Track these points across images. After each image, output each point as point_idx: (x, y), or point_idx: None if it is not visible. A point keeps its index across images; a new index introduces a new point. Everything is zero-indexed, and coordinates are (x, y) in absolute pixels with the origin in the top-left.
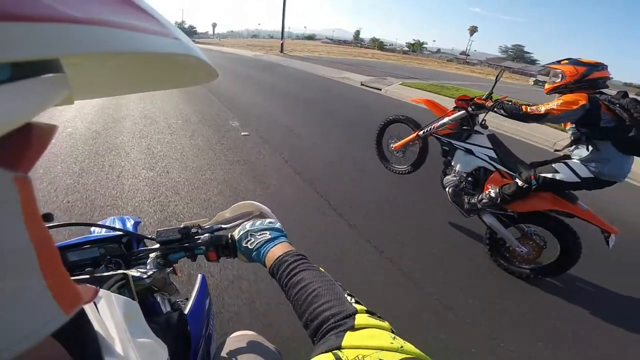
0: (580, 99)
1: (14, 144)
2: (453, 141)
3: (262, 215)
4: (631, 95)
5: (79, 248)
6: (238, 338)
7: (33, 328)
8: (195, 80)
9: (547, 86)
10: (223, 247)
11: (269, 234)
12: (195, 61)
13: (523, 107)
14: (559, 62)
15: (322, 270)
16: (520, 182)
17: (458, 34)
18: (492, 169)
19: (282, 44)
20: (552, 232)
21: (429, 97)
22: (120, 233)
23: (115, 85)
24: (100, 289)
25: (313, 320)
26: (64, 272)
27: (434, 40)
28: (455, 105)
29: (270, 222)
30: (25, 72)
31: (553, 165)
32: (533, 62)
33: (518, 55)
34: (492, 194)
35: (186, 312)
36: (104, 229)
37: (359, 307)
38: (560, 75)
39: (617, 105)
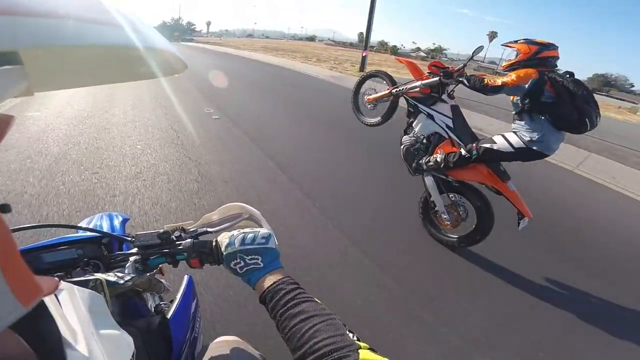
0: (530, 73)
1: None
2: (419, 104)
3: (250, 218)
4: (575, 77)
5: (55, 249)
6: (221, 344)
7: None
8: (163, 72)
9: (504, 63)
10: (207, 254)
11: (261, 262)
12: (161, 54)
13: (485, 80)
14: (515, 41)
15: (319, 302)
16: (463, 152)
17: (455, 37)
18: (446, 136)
19: (363, 58)
20: (474, 205)
21: None
22: (101, 234)
23: (77, 78)
24: (63, 282)
25: (312, 354)
26: (21, 264)
27: (434, 43)
28: (428, 70)
29: (262, 239)
30: None
31: (493, 137)
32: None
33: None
34: (438, 159)
35: (170, 315)
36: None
37: (361, 343)
38: (515, 53)
39: (560, 83)
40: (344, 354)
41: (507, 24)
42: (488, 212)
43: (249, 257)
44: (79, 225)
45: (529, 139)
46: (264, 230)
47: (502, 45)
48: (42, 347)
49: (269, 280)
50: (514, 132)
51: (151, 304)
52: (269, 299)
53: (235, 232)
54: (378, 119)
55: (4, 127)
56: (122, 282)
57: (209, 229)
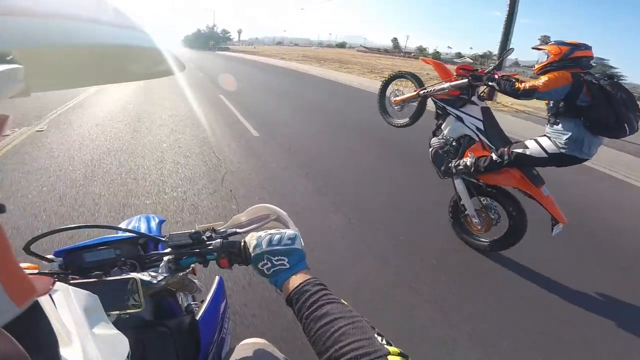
0: (563, 76)
1: None
2: (448, 107)
3: (278, 220)
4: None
5: (96, 249)
6: (248, 346)
7: None
8: (158, 73)
9: (536, 66)
10: (236, 254)
11: (287, 262)
12: (157, 54)
13: (516, 83)
14: (546, 43)
15: (345, 303)
16: (494, 157)
17: (488, 38)
18: (477, 139)
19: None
20: (507, 210)
21: None
22: (137, 235)
23: (76, 78)
24: (58, 282)
25: (338, 358)
26: (15, 264)
27: (471, 48)
28: (456, 73)
29: (289, 239)
30: None
31: (525, 142)
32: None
33: (602, 71)
34: (468, 163)
35: (199, 315)
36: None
37: (391, 348)
38: (546, 55)
39: (597, 85)
40: (372, 359)
41: (538, 25)
42: (521, 217)
43: (276, 258)
44: (117, 226)
45: (563, 143)
46: (290, 232)
47: (532, 48)
48: (36, 348)
49: (295, 282)
50: (547, 136)
51: (183, 303)
52: (294, 301)
53: (262, 233)
54: (406, 120)
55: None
56: (155, 281)
57: (237, 230)
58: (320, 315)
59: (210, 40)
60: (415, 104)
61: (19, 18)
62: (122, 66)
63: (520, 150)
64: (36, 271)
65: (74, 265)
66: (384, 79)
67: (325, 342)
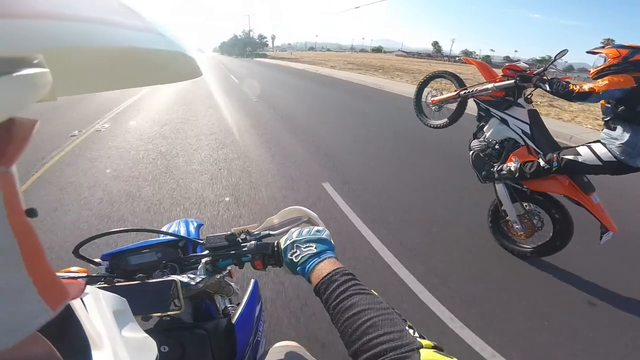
0: (626, 79)
1: None
2: (491, 108)
3: (310, 222)
4: None
5: (139, 252)
6: (281, 349)
7: (19, 324)
8: (180, 76)
9: (592, 70)
10: (269, 255)
11: (315, 248)
12: (180, 57)
13: (570, 85)
14: (602, 47)
15: (376, 294)
16: (542, 162)
17: (532, 42)
18: (522, 143)
19: None
20: (552, 217)
21: None
22: (177, 238)
23: (100, 81)
24: (88, 286)
25: (366, 352)
26: (49, 268)
27: (516, 51)
28: (502, 73)
29: (317, 232)
30: (6, 69)
31: (577, 148)
32: None
33: None
34: (512, 168)
35: (235, 318)
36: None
37: (424, 341)
38: (603, 59)
39: None
40: (403, 354)
41: (579, 26)
42: (567, 223)
43: (304, 245)
44: (159, 229)
45: (619, 150)
46: (319, 227)
47: (586, 52)
48: (69, 350)
49: (323, 271)
50: (602, 142)
51: (221, 306)
52: (322, 290)
53: (293, 230)
54: (444, 120)
55: (29, 131)
56: (193, 283)
57: (271, 232)
58: (349, 306)
59: (247, 46)
60: (454, 104)
61: (46, 21)
62: (148, 69)
63: (571, 157)
64: (85, 275)
65: (119, 267)
66: (422, 78)
67: (353, 333)
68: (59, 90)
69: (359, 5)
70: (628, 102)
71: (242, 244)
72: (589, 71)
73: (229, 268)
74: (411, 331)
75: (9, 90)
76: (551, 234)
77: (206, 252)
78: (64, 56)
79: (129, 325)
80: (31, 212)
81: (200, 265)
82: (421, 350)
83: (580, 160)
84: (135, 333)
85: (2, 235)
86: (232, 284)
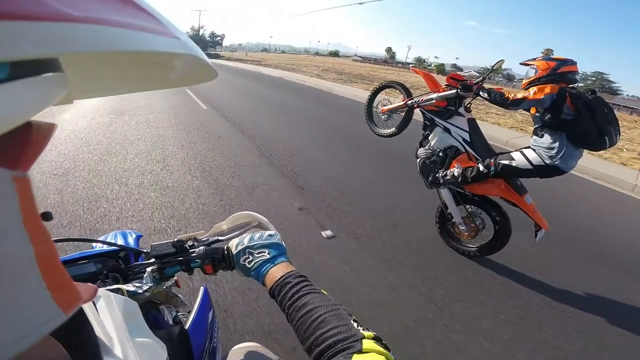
0: (550, 89)
1: (13, 143)
2: (435, 118)
3: (260, 226)
4: (598, 95)
5: (76, 263)
6: (241, 350)
7: (32, 327)
8: (194, 79)
9: (524, 81)
10: (219, 260)
11: (268, 253)
12: (195, 60)
13: (505, 94)
14: (533, 59)
15: (325, 293)
16: (481, 167)
17: (466, 50)
18: (463, 150)
19: None
20: (492, 217)
21: None
22: (118, 248)
23: (115, 85)
24: (100, 289)
25: (319, 345)
26: (63, 271)
27: (457, 58)
28: (446, 82)
29: (269, 236)
30: (24, 71)
31: (511, 153)
32: (615, 92)
33: (600, 85)
34: (455, 173)
35: (188, 324)
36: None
37: (366, 333)
38: (534, 70)
39: (582, 101)
40: (348, 344)
41: (511, 35)
42: (505, 222)
43: (257, 251)
44: (97, 239)
45: (547, 156)
46: (270, 231)
47: (520, 64)
48: (80, 353)
49: (277, 274)
50: (532, 149)
51: (170, 315)
52: (277, 293)
53: (244, 235)
54: (392, 129)
55: (46, 135)
56: (140, 291)
57: (220, 238)
58: (302, 305)
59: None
60: (402, 113)
61: (63, 24)
62: (164, 73)
63: (506, 162)
64: None
65: None
66: (373, 88)
67: (306, 329)
68: (76, 93)
69: (328, 8)
70: (553, 110)
71: (191, 250)
72: (522, 81)
73: (176, 277)
74: (355, 324)
75: (26, 93)
76: (492, 234)
77: (152, 260)
78: (82, 60)
79: (139, 328)
80: (46, 216)
81: (146, 274)
82: (363, 340)
83: (514, 164)
84: (146, 336)
85: (17, 239)
86: (180, 295)
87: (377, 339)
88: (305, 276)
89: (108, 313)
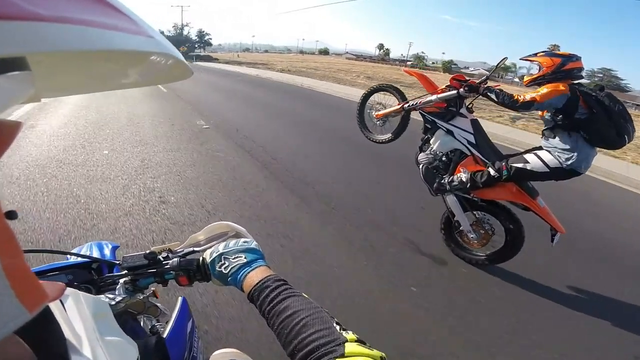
0: (562, 87)
1: None
2: (437, 120)
3: (237, 236)
4: (607, 90)
5: (45, 275)
6: (220, 356)
7: None
8: (169, 77)
9: (525, 78)
10: (194, 271)
11: (245, 257)
12: (169, 59)
13: (514, 95)
14: (535, 54)
15: (306, 296)
16: (492, 171)
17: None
18: (468, 153)
19: None
20: (503, 223)
21: None
22: (90, 259)
23: (86, 83)
24: (68, 288)
25: (301, 350)
26: (27, 270)
27: (443, 53)
28: (448, 83)
29: (245, 242)
30: None
31: (524, 156)
32: (623, 89)
33: (609, 82)
34: (464, 178)
35: (166, 334)
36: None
37: (348, 336)
38: (537, 67)
39: (594, 98)
40: (331, 348)
41: (484, 29)
42: (518, 228)
43: (233, 256)
44: (69, 251)
45: (565, 157)
46: (246, 238)
47: (520, 59)
48: (47, 353)
49: (255, 278)
50: (547, 150)
51: (147, 325)
52: (256, 297)
53: (219, 244)
54: (388, 135)
55: (12, 132)
56: (113, 302)
57: (195, 249)
58: (282, 309)
59: (183, 45)
60: (398, 118)
61: (28, 23)
62: (137, 71)
63: (520, 165)
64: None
65: None
66: (364, 92)
67: (288, 334)
68: (45, 92)
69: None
70: (565, 110)
71: (164, 262)
72: (523, 78)
73: (152, 288)
74: (338, 327)
75: None
76: (504, 240)
77: (124, 272)
78: (50, 58)
79: (110, 328)
80: (11, 215)
81: (118, 286)
82: (346, 344)
83: (528, 167)
84: (117, 336)
85: None
86: (158, 304)
87: (360, 341)
88: (285, 280)
89: (77, 312)
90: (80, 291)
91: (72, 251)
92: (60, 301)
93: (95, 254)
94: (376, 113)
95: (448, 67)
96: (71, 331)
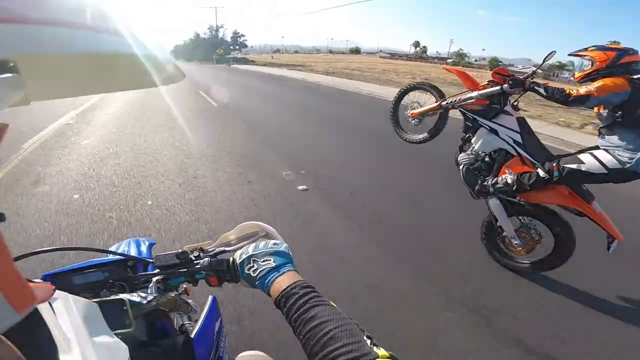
0: (621, 82)
1: None
2: (478, 118)
3: (267, 236)
4: None
5: (84, 272)
6: (246, 358)
7: None
8: (161, 81)
9: (577, 74)
10: (224, 271)
11: (273, 261)
12: (161, 62)
13: (566, 89)
14: (585, 49)
15: (334, 305)
16: (541, 173)
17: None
18: (514, 153)
19: None
20: (551, 228)
21: None
22: (125, 257)
23: (75, 86)
24: (58, 291)
25: None
26: (15, 271)
27: (483, 49)
28: (491, 78)
29: (274, 244)
30: None
31: (578, 156)
32: None
33: None
34: (509, 180)
35: (193, 334)
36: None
37: (380, 352)
38: (590, 62)
39: None
40: None
41: (523, 23)
42: (568, 233)
43: (262, 259)
44: (107, 249)
45: (627, 157)
46: (276, 240)
47: (569, 54)
48: (35, 354)
49: (282, 284)
50: (605, 150)
51: (177, 324)
52: (282, 304)
53: (249, 244)
54: (424, 135)
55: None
56: (145, 302)
57: (226, 248)
58: (309, 318)
59: (219, 48)
60: (434, 117)
61: (17, 25)
62: (125, 74)
63: (573, 166)
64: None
65: (62, 288)
66: (399, 90)
67: (314, 345)
68: (34, 95)
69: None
70: (625, 107)
71: (195, 262)
72: (573, 74)
73: (184, 286)
74: (368, 341)
75: None
76: (552, 247)
77: (157, 270)
78: (39, 61)
79: (100, 330)
80: None
81: (151, 284)
82: None
83: (583, 169)
84: (107, 338)
85: None
86: (190, 301)
87: (393, 358)
88: (313, 287)
89: (66, 315)
90: (113, 289)
91: (111, 248)
92: (50, 304)
93: (133, 250)
94: (411, 111)
95: (495, 64)
96: (60, 333)
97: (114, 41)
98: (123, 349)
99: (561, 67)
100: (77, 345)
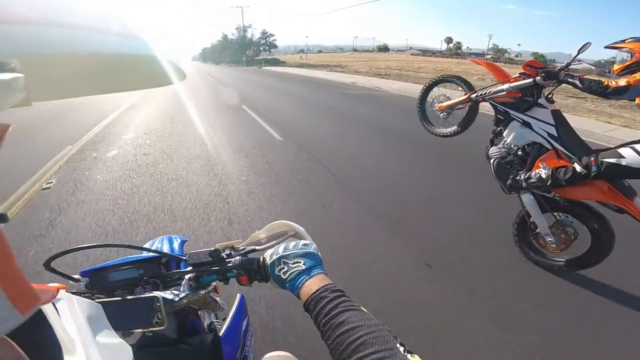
0: None
1: None
2: (511, 111)
3: (297, 236)
4: None
5: (119, 269)
6: (272, 359)
7: None
8: (162, 81)
9: (616, 67)
10: (255, 271)
11: (303, 264)
12: (162, 63)
13: (603, 80)
14: (622, 41)
15: (365, 310)
16: (578, 168)
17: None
18: (549, 147)
19: None
20: (588, 225)
21: None
22: (159, 254)
23: (77, 87)
24: (62, 292)
25: None
26: (19, 273)
27: (519, 45)
28: (522, 70)
29: (304, 246)
30: None
31: (618, 150)
32: None
33: None
34: (543, 175)
35: (222, 333)
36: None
37: (414, 359)
38: (628, 54)
39: None
40: None
41: (554, 17)
42: (606, 232)
43: (292, 261)
44: (141, 246)
45: None
46: (305, 240)
47: (605, 47)
48: (39, 355)
49: (312, 287)
50: None
51: (207, 321)
52: (312, 307)
53: (279, 245)
54: (454, 128)
55: (0, 134)
56: (177, 299)
57: (256, 247)
58: (339, 323)
59: (249, 48)
60: (464, 109)
61: (19, 26)
62: (124, 75)
63: (613, 160)
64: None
65: (99, 284)
66: (425, 83)
67: (343, 351)
68: (36, 95)
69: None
70: None
71: (227, 260)
72: (613, 67)
73: (214, 284)
74: (402, 349)
75: None
76: (589, 245)
77: (189, 268)
78: (39, 61)
79: (103, 330)
80: (2, 218)
81: (183, 282)
82: None
83: (624, 163)
84: (110, 338)
85: None
86: (218, 299)
87: None
88: (343, 291)
89: (70, 316)
90: (147, 286)
91: (145, 245)
92: (54, 305)
93: (166, 247)
94: (439, 105)
95: (542, 61)
96: (64, 334)
97: (116, 42)
98: (127, 350)
99: (610, 63)
100: (81, 346)
